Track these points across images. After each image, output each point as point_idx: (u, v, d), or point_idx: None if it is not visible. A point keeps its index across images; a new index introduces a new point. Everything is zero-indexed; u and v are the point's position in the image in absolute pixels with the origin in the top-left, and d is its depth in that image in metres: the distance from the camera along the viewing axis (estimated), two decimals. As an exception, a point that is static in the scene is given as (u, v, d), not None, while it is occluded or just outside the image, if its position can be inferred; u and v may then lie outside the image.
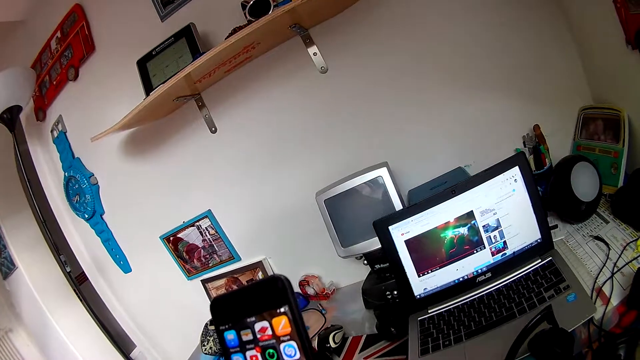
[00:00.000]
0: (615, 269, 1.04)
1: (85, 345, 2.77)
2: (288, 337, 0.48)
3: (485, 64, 1.54)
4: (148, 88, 1.75)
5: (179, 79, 1.51)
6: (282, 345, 0.48)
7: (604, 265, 1.08)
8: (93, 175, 2.21)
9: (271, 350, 0.49)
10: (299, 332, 0.47)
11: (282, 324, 0.47)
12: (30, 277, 2.79)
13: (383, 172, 1.48)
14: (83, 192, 2.22)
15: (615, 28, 1.15)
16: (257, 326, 0.49)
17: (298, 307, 0.48)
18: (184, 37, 1.70)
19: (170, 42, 1.73)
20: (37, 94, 2.34)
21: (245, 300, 0.50)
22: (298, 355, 0.48)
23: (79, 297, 2.28)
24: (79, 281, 2.41)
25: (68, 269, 2.27)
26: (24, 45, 2.32)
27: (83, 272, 2.53)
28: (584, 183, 1.24)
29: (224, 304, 0.52)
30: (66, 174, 2.26)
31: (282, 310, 0.47)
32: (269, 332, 0.48)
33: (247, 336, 0.50)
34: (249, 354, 0.50)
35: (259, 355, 0.50)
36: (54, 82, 2.22)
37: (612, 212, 1.26)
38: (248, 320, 0.49)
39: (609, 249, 1.12)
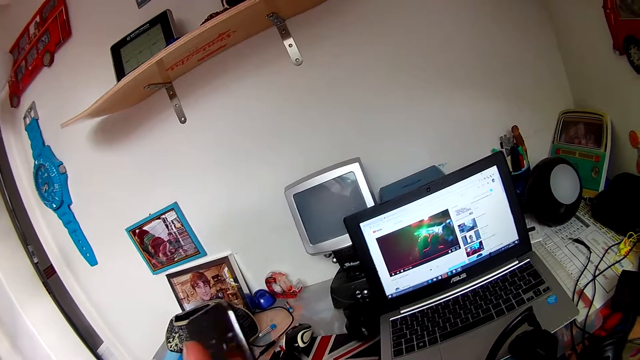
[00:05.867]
0: (597, 272, 0.96)
1: (54, 340, 2.57)
2: None
3: (465, 63, 1.45)
4: (120, 74, 1.63)
5: (151, 64, 1.38)
6: None
7: (585, 267, 1.00)
8: (62, 164, 2.03)
9: None
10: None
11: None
12: (1, 268, 2.59)
13: (355, 168, 1.36)
14: (52, 181, 2.05)
15: (603, 33, 1.08)
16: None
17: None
18: (159, 24, 1.57)
19: (145, 28, 1.60)
20: (13, 79, 2.16)
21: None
22: None
23: (47, 290, 2.16)
24: (47, 274, 2.27)
25: (36, 260, 2.14)
26: (4, 30, 2.15)
27: (51, 264, 2.35)
28: (564, 185, 1.16)
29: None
30: (36, 162, 2.09)
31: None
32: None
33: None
34: None
35: None
36: (30, 68, 2.06)
37: (592, 216, 1.19)
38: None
39: (590, 252, 1.04)
